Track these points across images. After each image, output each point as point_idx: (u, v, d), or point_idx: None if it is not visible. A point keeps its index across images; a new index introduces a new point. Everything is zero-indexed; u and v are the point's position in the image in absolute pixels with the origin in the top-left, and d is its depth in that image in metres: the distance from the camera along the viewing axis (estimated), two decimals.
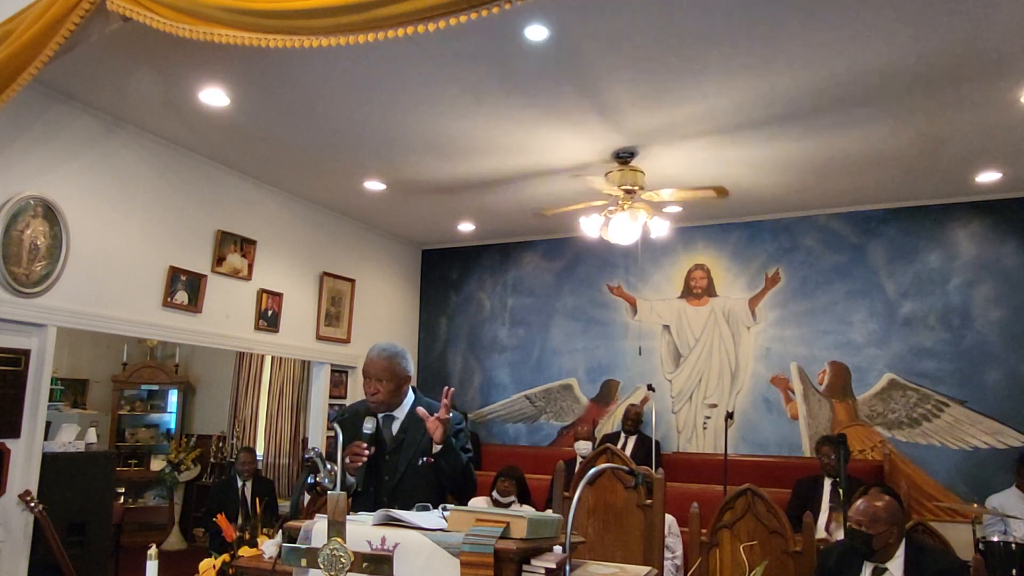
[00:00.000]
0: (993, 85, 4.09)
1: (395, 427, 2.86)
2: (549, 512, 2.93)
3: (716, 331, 6.95)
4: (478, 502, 5.07)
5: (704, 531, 3.62)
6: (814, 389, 6.51)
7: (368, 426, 2.70)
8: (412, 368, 2.92)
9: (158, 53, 3.91)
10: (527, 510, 3.34)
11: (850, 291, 6.48)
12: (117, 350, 8.69)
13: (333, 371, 7.02)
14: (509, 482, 4.94)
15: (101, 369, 8.69)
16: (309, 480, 2.50)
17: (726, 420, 6.06)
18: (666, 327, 7.15)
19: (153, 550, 2.15)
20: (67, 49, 3.02)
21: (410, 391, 2.93)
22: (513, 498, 4.90)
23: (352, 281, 7.13)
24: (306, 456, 2.49)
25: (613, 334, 7.34)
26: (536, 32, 3.62)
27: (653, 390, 6.52)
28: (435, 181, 5.99)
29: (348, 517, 1.80)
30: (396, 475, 2.75)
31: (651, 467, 5.34)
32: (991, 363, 5.93)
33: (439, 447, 2.69)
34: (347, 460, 2.67)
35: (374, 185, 6.13)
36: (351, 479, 2.71)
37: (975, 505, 5.05)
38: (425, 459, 2.77)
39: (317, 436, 6.91)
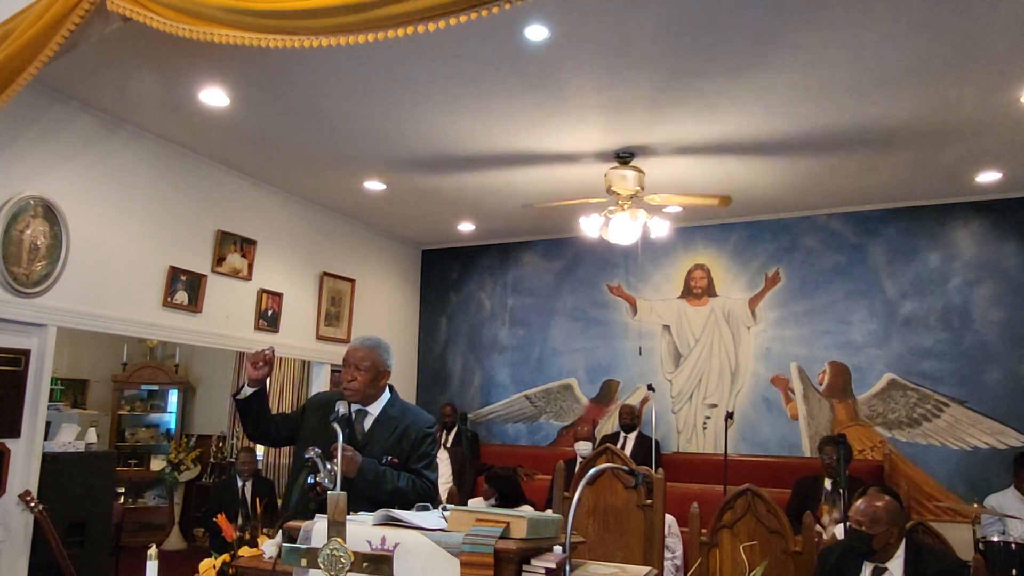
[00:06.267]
0: (993, 85, 4.09)
1: (367, 423, 2.84)
2: (549, 512, 2.93)
3: (716, 331, 6.95)
4: (477, 503, 5.07)
5: (704, 531, 3.62)
6: (814, 389, 6.51)
7: (342, 409, 2.62)
8: (392, 365, 2.90)
9: (158, 53, 3.91)
10: (527, 510, 3.34)
11: (850, 291, 6.49)
12: (117, 350, 8.69)
13: (333, 371, 7.01)
14: (487, 488, 4.93)
15: (101, 369, 8.69)
16: (309, 480, 2.49)
17: (726, 420, 6.06)
18: (666, 327, 7.15)
19: (153, 550, 2.15)
20: (67, 49, 3.02)
21: (387, 390, 2.91)
22: (493, 501, 4.89)
23: (352, 281, 7.13)
24: (306, 456, 2.48)
25: (613, 334, 7.34)
26: (536, 32, 3.62)
27: (653, 390, 6.52)
28: (435, 181, 5.99)
29: (348, 517, 1.80)
30: None
31: (651, 467, 5.34)
32: (991, 363, 5.93)
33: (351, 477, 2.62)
34: (248, 367, 2.75)
35: (374, 185, 6.13)
36: (248, 389, 2.78)
37: (975, 505, 5.05)
38: (390, 458, 2.76)
39: None
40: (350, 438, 2.75)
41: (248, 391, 2.81)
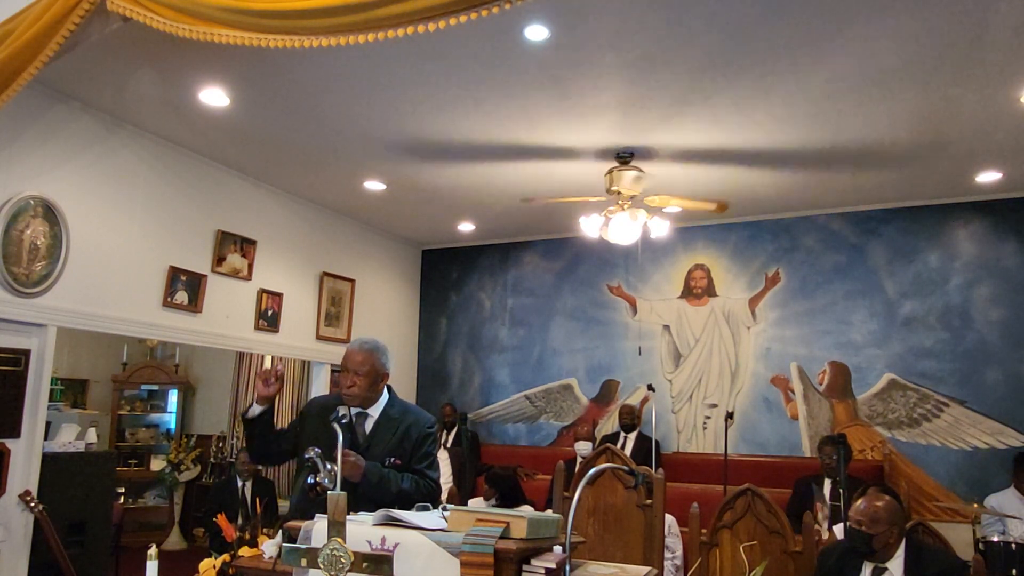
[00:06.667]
0: (993, 85, 4.09)
1: (368, 425, 2.84)
2: (549, 512, 2.93)
3: (716, 331, 6.95)
4: (477, 503, 5.07)
5: (704, 531, 3.62)
6: (814, 389, 6.51)
7: (342, 411, 2.62)
8: (391, 366, 2.89)
9: (158, 53, 3.91)
10: (527, 510, 3.34)
11: (850, 291, 6.48)
12: (117, 350, 8.69)
13: (333, 371, 7.02)
14: (488, 488, 4.94)
15: (101, 369, 8.69)
16: (309, 480, 2.50)
17: (726, 420, 6.06)
18: (666, 327, 7.15)
19: (153, 550, 2.15)
20: (67, 49, 3.02)
21: (385, 391, 2.90)
22: (493, 501, 4.90)
23: (352, 281, 7.13)
24: (306, 456, 2.48)
25: (613, 334, 7.34)
26: (536, 32, 3.62)
27: (653, 390, 6.52)
28: (435, 181, 5.99)
29: (348, 517, 1.80)
30: None
31: (651, 467, 5.34)
32: (991, 363, 5.93)
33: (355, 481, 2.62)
34: (259, 384, 2.74)
35: (374, 185, 6.13)
36: (257, 408, 2.77)
37: (975, 505, 5.05)
38: (393, 459, 2.76)
39: None
40: (352, 442, 2.75)
41: (257, 410, 2.79)
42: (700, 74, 4.06)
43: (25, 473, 4.23)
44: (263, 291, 6.05)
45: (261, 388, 2.77)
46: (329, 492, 1.79)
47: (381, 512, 2.18)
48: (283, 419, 8.33)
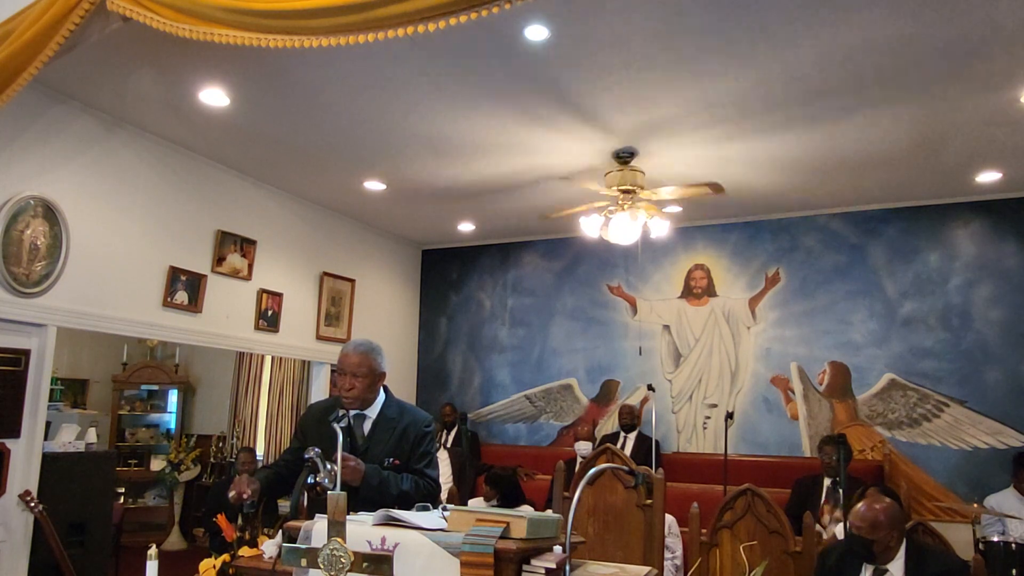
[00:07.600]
0: (993, 85, 4.09)
1: (366, 426, 2.84)
2: (549, 512, 2.93)
3: (716, 331, 6.94)
4: (478, 503, 5.07)
5: (704, 531, 3.62)
6: (814, 389, 6.51)
7: (341, 412, 2.62)
8: (386, 366, 2.89)
9: (158, 53, 3.91)
10: (527, 510, 3.34)
11: (850, 291, 6.48)
12: (117, 350, 8.69)
13: (333, 371, 7.01)
14: (488, 488, 4.94)
15: (101, 369, 8.69)
16: (309, 480, 2.50)
17: (726, 420, 6.06)
18: (666, 327, 7.15)
19: (153, 550, 2.15)
20: (67, 49, 3.02)
21: (382, 391, 2.91)
22: (495, 501, 4.90)
23: (352, 281, 7.14)
24: (306, 456, 2.48)
25: (613, 334, 7.34)
26: (536, 32, 3.62)
27: (653, 390, 6.52)
28: (435, 181, 5.99)
29: (348, 517, 1.80)
30: None
31: (651, 467, 5.34)
32: (991, 363, 5.93)
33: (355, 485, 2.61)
34: (234, 493, 2.66)
35: (374, 185, 6.13)
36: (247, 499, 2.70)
37: (975, 505, 5.05)
38: (392, 460, 2.76)
39: None
40: (351, 444, 2.75)
41: (248, 500, 2.75)
42: (699, 74, 4.05)
43: (25, 473, 4.23)
44: (263, 291, 6.05)
45: (236, 497, 2.69)
46: (329, 492, 1.79)
47: (381, 512, 2.18)
48: (283, 420, 8.33)
